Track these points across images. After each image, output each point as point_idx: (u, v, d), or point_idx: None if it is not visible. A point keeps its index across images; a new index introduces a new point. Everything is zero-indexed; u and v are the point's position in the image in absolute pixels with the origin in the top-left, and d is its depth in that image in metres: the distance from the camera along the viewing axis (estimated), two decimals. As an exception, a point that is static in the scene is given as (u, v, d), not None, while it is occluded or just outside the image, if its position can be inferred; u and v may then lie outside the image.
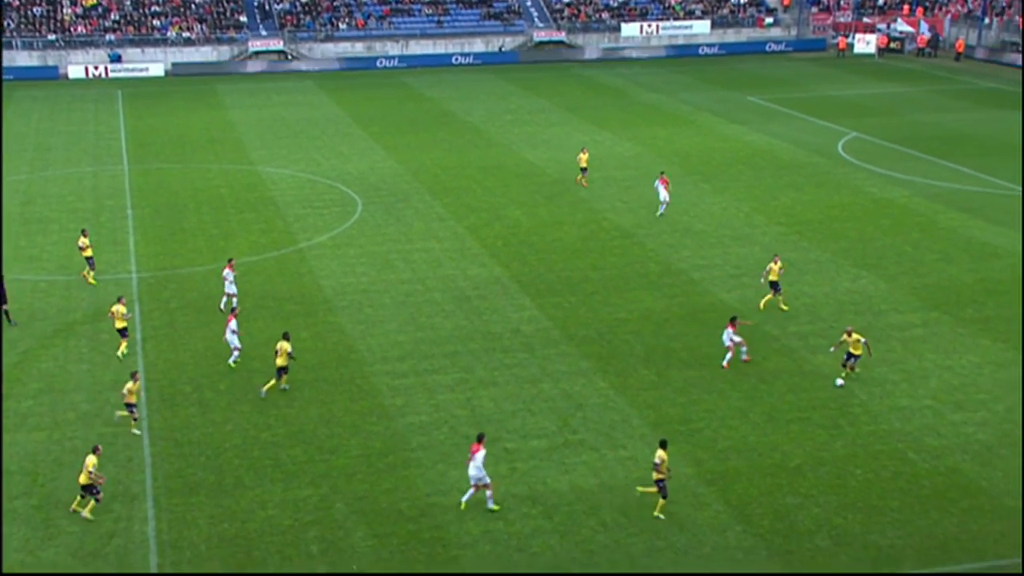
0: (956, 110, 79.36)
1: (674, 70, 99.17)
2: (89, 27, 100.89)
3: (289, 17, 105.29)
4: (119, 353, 37.05)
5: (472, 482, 27.81)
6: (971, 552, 26.13)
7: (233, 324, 35.84)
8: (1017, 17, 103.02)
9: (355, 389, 34.66)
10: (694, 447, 30.97)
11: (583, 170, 58.00)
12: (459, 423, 32.43)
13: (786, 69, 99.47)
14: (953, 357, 36.70)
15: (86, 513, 27.55)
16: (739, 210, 53.55)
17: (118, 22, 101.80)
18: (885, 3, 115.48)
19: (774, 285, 40.60)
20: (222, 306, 40.70)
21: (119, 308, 37.12)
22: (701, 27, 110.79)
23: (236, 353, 36.02)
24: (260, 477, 29.57)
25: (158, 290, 43.18)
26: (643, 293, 42.67)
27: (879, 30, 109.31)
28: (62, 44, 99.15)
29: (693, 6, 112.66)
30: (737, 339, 35.83)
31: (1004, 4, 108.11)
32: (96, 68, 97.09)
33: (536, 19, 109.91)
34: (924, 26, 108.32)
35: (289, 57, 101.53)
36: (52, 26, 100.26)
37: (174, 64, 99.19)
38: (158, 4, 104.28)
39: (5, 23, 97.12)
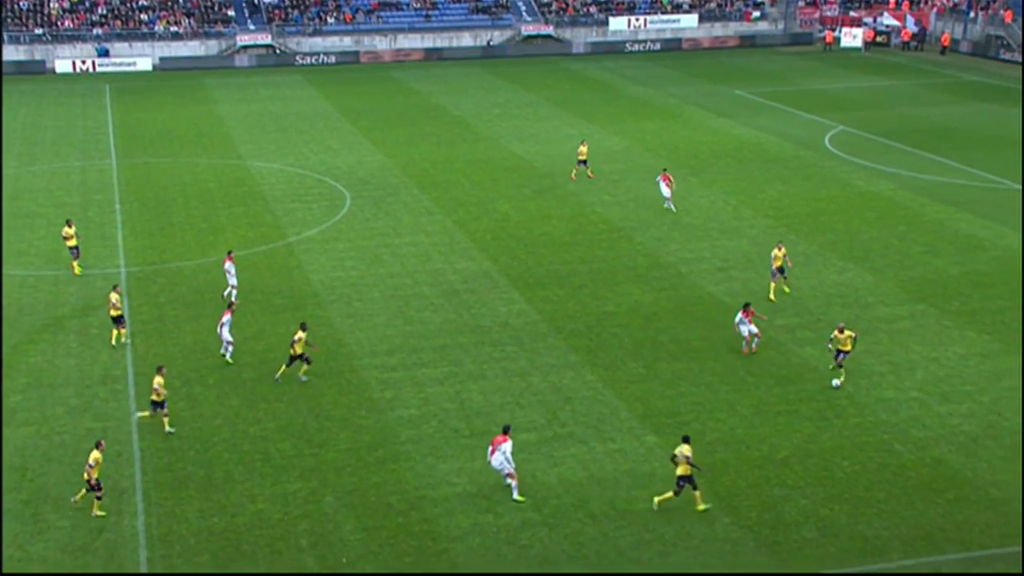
0: (942, 103, 79.68)
1: (662, 64, 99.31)
2: (76, 21, 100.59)
3: (277, 11, 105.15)
4: (121, 342, 37.39)
5: (503, 472, 27.97)
6: (956, 542, 26.33)
7: (226, 318, 35.80)
8: (1002, 11, 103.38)
9: (344, 383, 34.74)
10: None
11: (583, 162, 57.99)
12: (448, 416, 32.53)
13: (773, 63, 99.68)
14: (939, 349, 36.92)
15: (96, 511, 27.36)
16: (727, 203, 53.73)
17: (105, 16, 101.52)
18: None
19: (779, 271, 41.28)
20: (233, 299, 40.75)
21: (114, 296, 37.43)
22: (689, 21, 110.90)
23: (230, 348, 36.01)
24: (249, 471, 29.63)
25: (146, 284, 43.18)
26: (631, 286, 42.81)
27: (866, 24, 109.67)
28: (49, 38, 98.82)
29: (681, 0, 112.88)
30: (755, 330, 36.04)
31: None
32: (83, 62, 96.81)
33: (524, 13, 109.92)
34: (910, 20, 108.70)
35: (277, 51, 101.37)
36: (39, 20, 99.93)
37: (162, 58, 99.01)
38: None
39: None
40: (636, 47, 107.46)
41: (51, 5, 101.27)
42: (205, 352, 36.89)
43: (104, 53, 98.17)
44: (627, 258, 46.04)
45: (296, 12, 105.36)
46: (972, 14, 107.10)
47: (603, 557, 25.94)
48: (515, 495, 28.09)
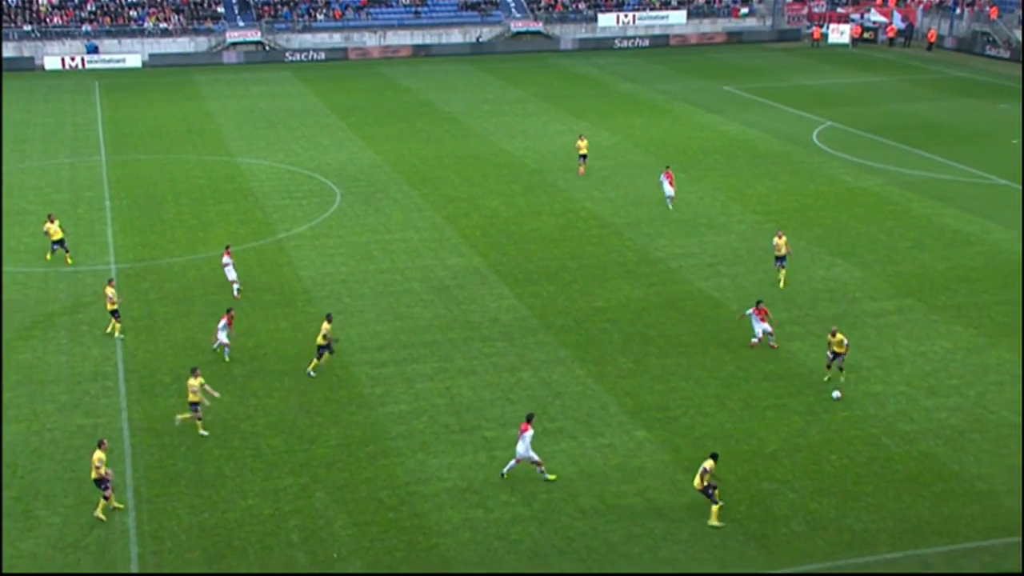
0: (928, 99, 79.95)
1: (650, 60, 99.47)
2: (65, 18, 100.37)
3: (267, 8, 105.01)
4: (117, 335, 37.61)
5: (516, 457, 28.52)
6: (943, 535, 26.53)
7: (223, 323, 35.74)
8: (988, 8, 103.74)
9: (334, 379, 34.82)
10: (672, 434, 31.28)
11: (583, 157, 58.10)
12: (438, 412, 32.64)
13: (761, 59, 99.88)
14: (926, 343, 37.14)
15: (98, 513, 27.23)
16: (715, 199, 53.90)
17: (94, 13, 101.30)
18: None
19: (781, 260, 41.96)
20: (235, 293, 41.07)
21: (109, 290, 37.60)
22: (677, 17, 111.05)
23: (227, 349, 35.95)
24: (240, 467, 29.70)
25: (137, 281, 43.19)
26: (621, 282, 42.95)
27: (853, 20, 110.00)
28: (38, 35, 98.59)
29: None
30: (768, 328, 36.15)
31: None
32: (73, 59, 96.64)
33: (513, 9, 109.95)
34: (897, 16, 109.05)
35: (267, 48, 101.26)
36: (27, 17, 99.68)
37: (151, 55, 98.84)
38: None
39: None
40: (625, 43, 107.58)
41: (40, 2, 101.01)
42: (195, 348, 36.95)
43: (93, 50, 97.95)
44: (616, 254, 46.18)
45: (285, 9, 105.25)
46: (958, 10, 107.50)
47: (593, 552, 26.08)
48: (545, 476, 28.70)
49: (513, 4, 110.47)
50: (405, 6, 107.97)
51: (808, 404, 32.94)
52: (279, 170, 60.20)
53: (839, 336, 33.84)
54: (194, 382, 30.92)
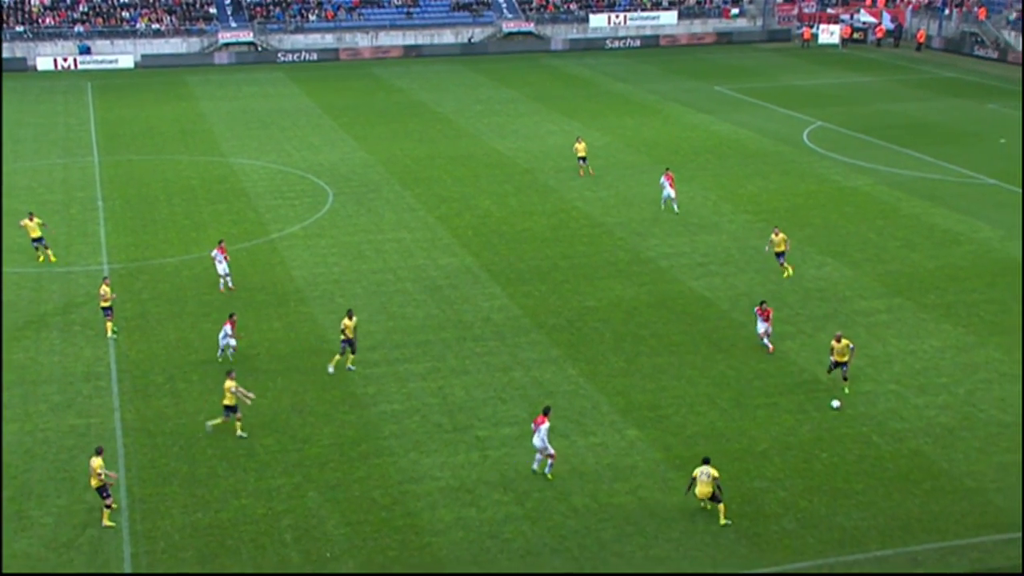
0: (918, 99, 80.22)
1: (641, 60, 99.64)
2: (57, 19, 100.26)
3: (259, 8, 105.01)
4: (110, 334, 37.78)
5: (537, 451, 28.79)
6: (933, 532, 26.69)
7: (227, 328, 35.62)
8: (976, 8, 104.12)
9: (327, 378, 34.89)
10: (663, 433, 31.42)
11: (582, 159, 58.22)
12: (431, 411, 32.74)
13: (752, 59, 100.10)
14: (916, 342, 37.33)
15: (106, 522, 27.07)
16: (706, 199, 54.07)
17: (87, 14, 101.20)
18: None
19: (781, 255, 42.56)
20: (221, 287, 41.45)
21: (105, 289, 37.70)
22: (668, 18, 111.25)
23: (231, 351, 35.81)
24: (233, 467, 29.78)
25: (130, 281, 43.23)
26: (612, 281, 43.09)
27: (843, 20, 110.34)
28: (30, 36, 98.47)
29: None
30: (767, 329, 36.23)
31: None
32: (65, 60, 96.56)
33: (505, 10, 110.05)
34: (886, 17, 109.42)
35: (259, 48, 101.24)
36: (20, 17, 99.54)
37: (144, 56, 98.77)
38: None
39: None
40: (616, 44, 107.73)
41: (32, 2, 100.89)
42: (188, 348, 37.02)
43: (86, 51, 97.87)
44: (608, 253, 46.33)
45: (278, 9, 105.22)
46: (947, 11, 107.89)
47: (585, 550, 26.20)
48: (547, 471, 28.87)
49: (505, 5, 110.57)
50: (397, 7, 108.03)
51: (799, 403, 33.10)
52: (272, 170, 60.25)
53: (844, 342, 33.31)
54: (229, 384, 30.81)
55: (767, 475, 29.23)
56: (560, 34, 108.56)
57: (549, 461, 28.88)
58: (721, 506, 27.02)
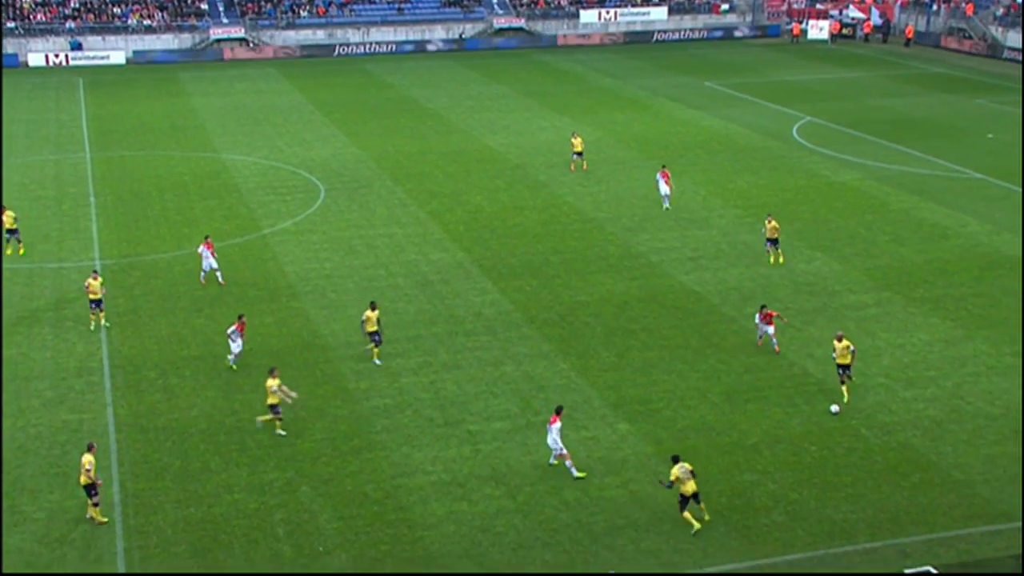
0: (906, 94, 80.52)
1: (632, 56, 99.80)
2: (49, 15, 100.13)
3: (250, 5, 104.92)
4: (100, 325, 37.91)
5: (556, 453, 28.97)
6: (921, 524, 26.87)
7: (234, 329, 35.34)
8: (964, 4, 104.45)
9: (319, 373, 35.02)
10: (654, 426, 31.59)
11: (578, 154, 58.35)
12: (423, 406, 32.87)
13: (741, 55, 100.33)
14: (904, 336, 37.54)
15: (98, 518, 27.08)
16: (696, 194, 54.25)
17: (78, 10, 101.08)
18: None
19: (774, 242, 43.44)
20: (203, 279, 41.86)
21: (93, 283, 37.75)
22: (658, 13, 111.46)
23: (231, 358, 35.54)
24: (226, 461, 29.88)
25: (122, 277, 43.28)
26: (603, 276, 43.25)
27: (832, 16, 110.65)
28: (21, 32, 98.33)
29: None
30: (771, 330, 36.17)
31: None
32: (56, 56, 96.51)
33: (496, 6, 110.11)
34: (875, 12, 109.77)
35: (251, 44, 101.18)
36: (11, 13, 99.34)
37: (135, 52, 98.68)
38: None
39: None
40: (607, 39, 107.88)
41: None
42: (180, 344, 37.10)
43: (77, 47, 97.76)
44: (599, 248, 46.48)
45: (269, 5, 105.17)
46: (935, 7, 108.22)
47: (577, 543, 26.34)
48: (573, 472, 28.82)
49: (496, 1, 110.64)
50: (388, 3, 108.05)
51: (788, 396, 33.28)
52: (263, 166, 60.31)
53: (845, 342, 32.84)
54: (272, 382, 30.70)
55: (757, 468, 29.41)
56: (551, 30, 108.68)
57: (567, 461, 28.93)
58: (701, 505, 27.13)
